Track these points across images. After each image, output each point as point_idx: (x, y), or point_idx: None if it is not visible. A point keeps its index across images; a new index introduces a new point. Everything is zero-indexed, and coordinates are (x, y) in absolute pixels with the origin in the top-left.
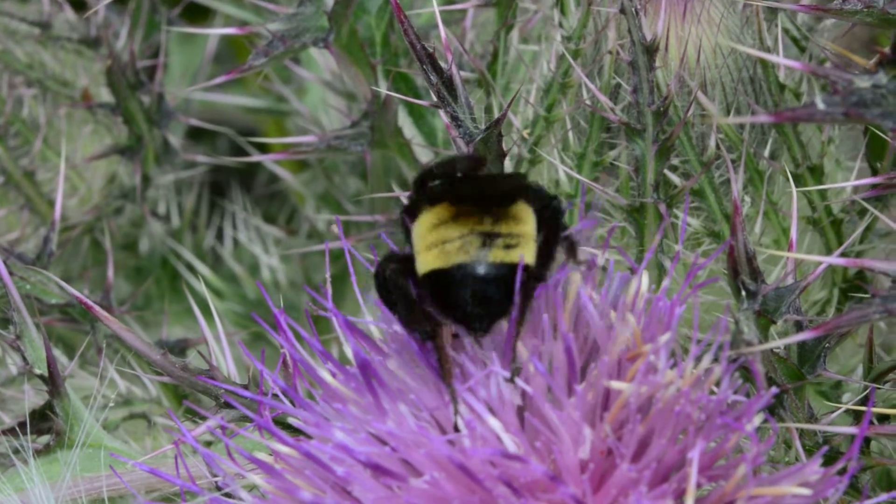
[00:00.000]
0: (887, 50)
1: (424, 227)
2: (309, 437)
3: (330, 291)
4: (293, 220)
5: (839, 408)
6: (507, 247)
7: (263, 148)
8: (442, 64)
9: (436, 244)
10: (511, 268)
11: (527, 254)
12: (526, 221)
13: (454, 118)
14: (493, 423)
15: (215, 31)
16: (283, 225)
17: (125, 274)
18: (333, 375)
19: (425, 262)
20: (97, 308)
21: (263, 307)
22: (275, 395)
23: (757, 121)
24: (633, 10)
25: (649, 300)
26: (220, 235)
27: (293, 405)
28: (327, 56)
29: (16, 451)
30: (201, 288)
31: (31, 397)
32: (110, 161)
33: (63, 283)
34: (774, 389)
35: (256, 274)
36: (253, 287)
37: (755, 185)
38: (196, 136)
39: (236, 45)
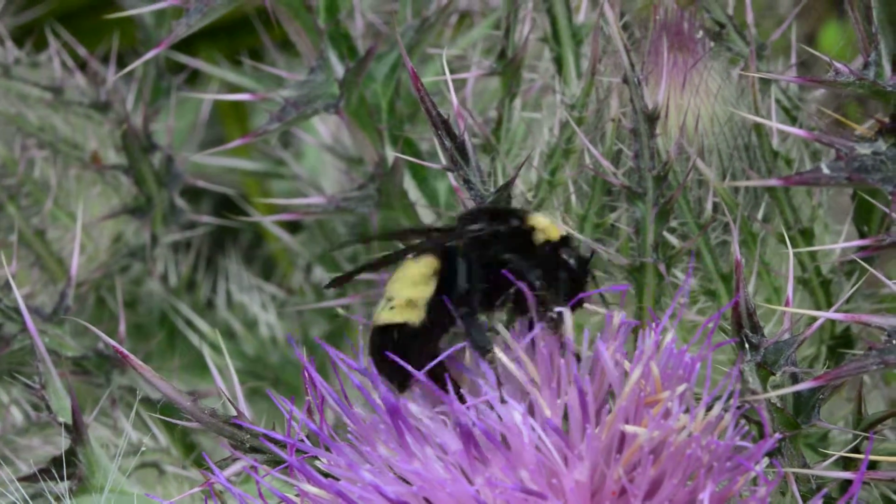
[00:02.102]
0: (886, 119)
1: None
2: (335, 478)
3: (363, 349)
4: (286, 279)
5: (830, 456)
6: (391, 308)
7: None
8: (455, 129)
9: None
10: (396, 326)
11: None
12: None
13: (466, 181)
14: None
15: (225, 97)
16: (278, 282)
17: (127, 331)
18: (361, 420)
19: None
20: (133, 357)
21: (262, 363)
22: (300, 440)
23: (767, 184)
24: (636, 80)
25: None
26: (215, 292)
27: (324, 448)
28: (327, 122)
29: (38, 495)
30: (203, 347)
31: (39, 446)
32: (117, 221)
33: (99, 333)
34: (778, 435)
35: (254, 330)
36: (251, 343)
37: (749, 247)
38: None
39: (222, 110)
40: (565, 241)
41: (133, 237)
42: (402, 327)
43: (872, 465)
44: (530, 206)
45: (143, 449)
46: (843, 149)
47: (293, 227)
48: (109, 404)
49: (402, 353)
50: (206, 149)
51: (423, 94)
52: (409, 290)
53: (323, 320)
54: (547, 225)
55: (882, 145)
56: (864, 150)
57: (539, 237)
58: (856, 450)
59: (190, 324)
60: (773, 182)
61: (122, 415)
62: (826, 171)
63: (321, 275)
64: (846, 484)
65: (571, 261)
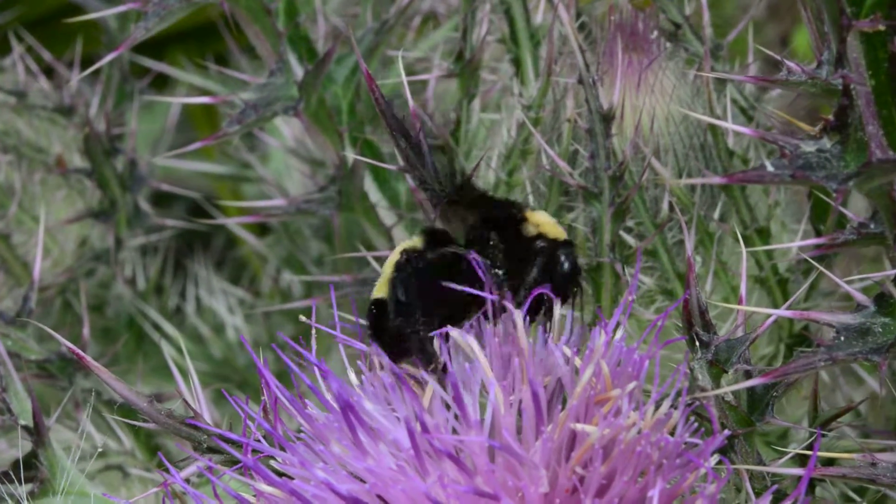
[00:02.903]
0: (831, 117)
1: None
2: (290, 477)
3: (315, 348)
4: (255, 282)
5: (787, 453)
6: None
7: (221, 212)
8: (410, 130)
9: None
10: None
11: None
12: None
13: (422, 182)
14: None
15: (186, 101)
16: (245, 286)
17: (94, 334)
18: (314, 419)
19: None
20: (89, 360)
21: (229, 366)
22: (256, 440)
23: (710, 181)
24: (591, 80)
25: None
26: (182, 296)
27: (279, 447)
28: (291, 124)
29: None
30: (169, 349)
31: (5, 449)
32: (82, 225)
33: (56, 336)
34: (727, 431)
35: (221, 334)
36: (218, 346)
37: (705, 246)
38: (154, 202)
39: (195, 114)
40: (562, 244)
41: (98, 241)
42: (380, 302)
43: (831, 463)
44: None
45: (100, 449)
46: (787, 147)
47: (264, 231)
48: (74, 407)
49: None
50: (181, 153)
51: (378, 94)
52: (387, 268)
53: (290, 324)
54: (544, 222)
55: (827, 143)
56: (808, 147)
57: (530, 230)
58: (811, 447)
59: (157, 327)
60: (716, 180)
61: (87, 418)
62: (770, 168)
63: (289, 278)
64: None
65: (566, 265)
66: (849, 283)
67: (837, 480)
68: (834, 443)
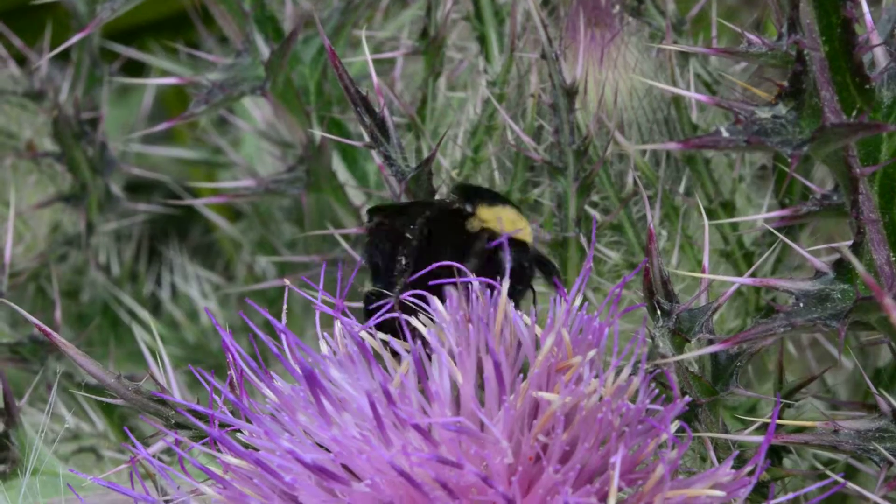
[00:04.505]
0: (786, 83)
1: None
2: (257, 449)
3: (285, 321)
4: (229, 267)
5: (753, 422)
6: None
7: (200, 197)
8: (374, 106)
9: None
10: None
11: None
12: None
13: (387, 158)
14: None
15: (155, 81)
16: (220, 271)
17: (68, 320)
18: (280, 391)
19: None
20: (56, 336)
21: (203, 350)
22: (223, 414)
23: (666, 147)
24: (553, 55)
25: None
26: (158, 283)
27: (245, 420)
28: (263, 107)
29: None
30: (144, 334)
31: None
32: (54, 210)
33: (25, 314)
34: (688, 398)
35: (196, 320)
36: (192, 332)
37: (671, 221)
38: (133, 190)
39: (169, 102)
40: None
41: (70, 226)
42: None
43: (799, 432)
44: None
45: (67, 426)
46: (743, 113)
47: (238, 216)
48: (47, 390)
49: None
50: (154, 140)
51: (341, 70)
52: None
53: (265, 306)
54: (490, 218)
55: (782, 109)
56: (764, 114)
57: (474, 224)
58: (778, 417)
59: (132, 313)
60: (672, 145)
61: (59, 400)
62: (725, 134)
63: (262, 261)
64: (773, 451)
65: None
66: (816, 253)
67: (806, 452)
68: (800, 415)
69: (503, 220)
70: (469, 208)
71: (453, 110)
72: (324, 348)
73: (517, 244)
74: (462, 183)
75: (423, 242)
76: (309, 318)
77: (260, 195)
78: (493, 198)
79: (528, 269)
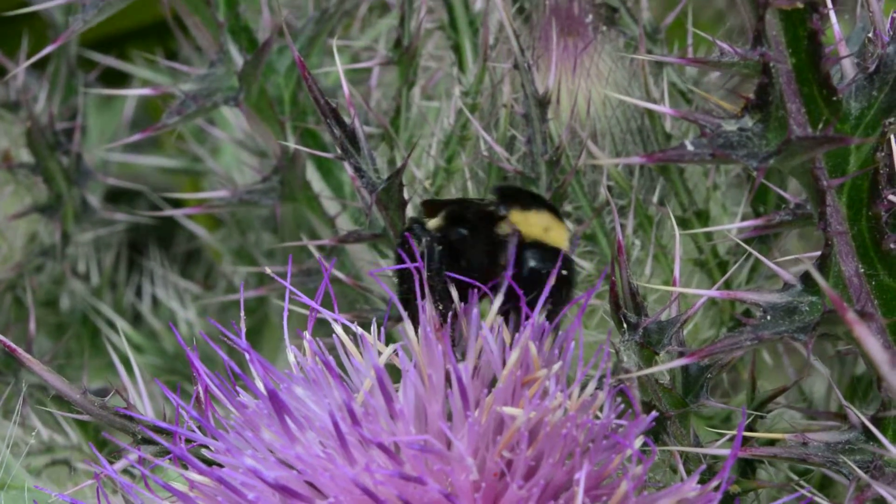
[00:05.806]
0: (752, 96)
1: None
2: (221, 466)
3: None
4: (210, 277)
5: (723, 435)
6: None
7: (180, 206)
8: (345, 118)
9: None
10: None
11: None
12: None
13: (357, 169)
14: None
15: (130, 92)
16: (200, 281)
17: (47, 331)
18: (245, 407)
19: None
20: (20, 351)
21: (182, 360)
22: (190, 430)
23: (630, 161)
24: (526, 65)
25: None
26: (139, 293)
27: (210, 437)
28: (240, 117)
29: None
30: (122, 344)
31: None
32: (31, 220)
33: None
34: (654, 413)
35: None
36: (171, 341)
37: (645, 230)
38: (115, 198)
39: (153, 110)
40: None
41: (47, 236)
42: None
43: (772, 444)
44: (429, 194)
45: (33, 440)
46: (708, 126)
47: (218, 225)
48: (22, 403)
49: None
50: (137, 150)
51: (311, 81)
52: None
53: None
54: (521, 221)
55: (748, 121)
56: (730, 126)
57: (504, 228)
58: (750, 428)
59: (111, 323)
60: (636, 159)
61: (33, 412)
62: (690, 147)
63: (239, 270)
64: (744, 463)
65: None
66: (790, 263)
67: (781, 464)
68: (775, 425)
69: (533, 226)
70: (502, 211)
71: (427, 121)
72: (292, 361)
73: (547, 250)
74: (503, 185)
75: (457, 245)
76: (290, 327)
77: (234, 205)
78: (530, 201)
79: (570, 275)
